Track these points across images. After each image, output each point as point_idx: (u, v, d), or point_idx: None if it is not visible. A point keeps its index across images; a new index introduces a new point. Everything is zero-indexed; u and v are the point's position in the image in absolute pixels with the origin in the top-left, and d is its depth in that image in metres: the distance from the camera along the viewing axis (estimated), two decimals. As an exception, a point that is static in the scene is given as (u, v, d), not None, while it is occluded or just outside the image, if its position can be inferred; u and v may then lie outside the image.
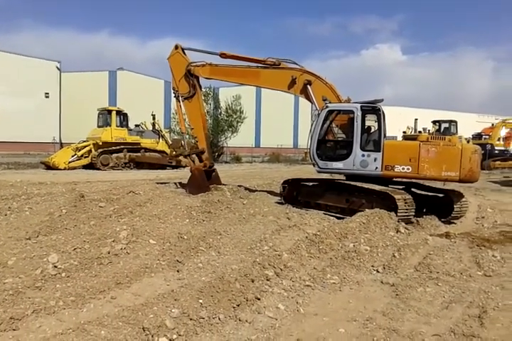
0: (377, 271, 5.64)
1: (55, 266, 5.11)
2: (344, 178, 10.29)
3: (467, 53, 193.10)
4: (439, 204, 9.68)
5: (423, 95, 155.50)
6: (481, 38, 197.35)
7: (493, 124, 35.12)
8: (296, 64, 10.68)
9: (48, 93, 39.61)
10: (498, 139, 32.51)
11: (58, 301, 4.23)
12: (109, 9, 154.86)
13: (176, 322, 3.76)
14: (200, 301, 4.17)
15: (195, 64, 11.54)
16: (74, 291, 4.52)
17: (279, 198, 11.11)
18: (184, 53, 11.78)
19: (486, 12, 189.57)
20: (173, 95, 12.18)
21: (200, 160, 11.95)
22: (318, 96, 10.14)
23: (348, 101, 10.04)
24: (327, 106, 9.82)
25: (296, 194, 10.80)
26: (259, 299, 4.45)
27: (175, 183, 12.74)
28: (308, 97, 10.33)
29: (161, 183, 12.78)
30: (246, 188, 12.07)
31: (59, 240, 6.22)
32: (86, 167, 22.57)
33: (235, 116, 32.76)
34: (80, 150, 22.80)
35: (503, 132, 33.40)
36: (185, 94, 11.71)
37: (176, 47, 11.77)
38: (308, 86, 10.22)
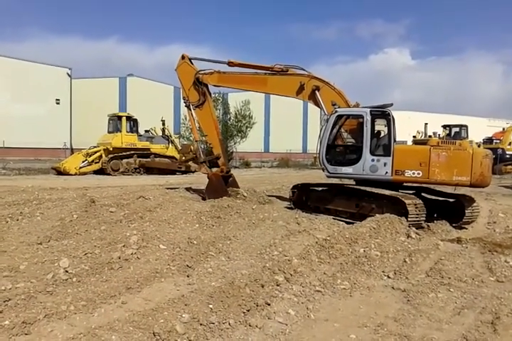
0: (388, 277, 5.59)
1: (66, 271, 5.15)
2: (354, 183, 10.25)
3: (475, 57, 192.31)
4: (450, 209, 9.59)
5: (432, 99, 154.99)
6: (490, 41, 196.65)
7: (503, 128, 34.79)
8: (304, 70, 10.69)
9: (58, 99, 40.04)
10: (509, 143, 32.17)
11: (69, 306, 4.25)
12: (116, 16, 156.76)
13: (186, 327, 3.76)
14: (210, 306, 4.17)
15: (203, 72, 11.61)
16: (85, 296, 4.54)
17: (289, 203, 11.10)
18: (191, 63, 11.86)
19: (494, 15, 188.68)
20: (184, 104, 12.24)
21: (215, 166, 12.01)
22: (326, 101, 10.13)
23: (357, 106, 10.02)
24: (336, 111, 9.82)
25: (306, 199, 10.79)
26: (269, 304, 4.43)
27: (186, 189, 12.78)
28: (316, 103, 10.32)
29: (171, 188, 12.83)
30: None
31: (70, 245, 6.28)
32: (96, 172, 22.75)
33: (244, 122, 32.87)
34: (90, 156, 23.00)
35: (515, 137, 33.09)
36: (195, 102, 11.76)
37: (183, 57, 11.85)
38: (317, 91, 10.21)
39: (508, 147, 31.88)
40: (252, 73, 11.23)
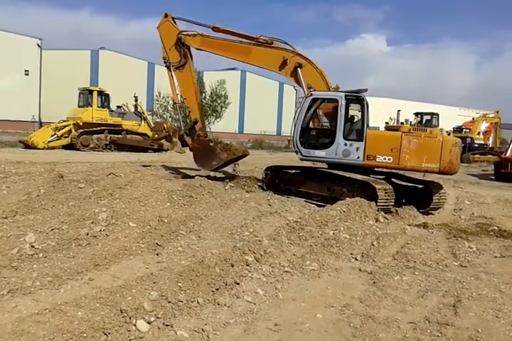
0: (356, 259, 5.70)
1: (32, 246, 5.02)
2: (326, 167, 10.33)
3: (450, 46, 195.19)
4: (418, 195, 9.81)
5: (406, 86, 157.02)
6: (465, 31, 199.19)
7: (473, 118, 35.68)
8: (288, 44, 10.43)
9: (27, 70, 38.60)
10: (478, 133, 33.08)
11: (35, 281, 4.16)
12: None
13: (154, 304, 3.74)
14: (179, 284, 4.15)
15: (186, 33, 11.18)
16: (51, 272, 4.45)
17: (261, 184, 11.12)
18: (174, 22, 11.43)
19: (471, 6, 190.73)
20: (164, 64, 11.81)
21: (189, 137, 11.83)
22: (307, 79, 9.98)
23: (337, 88, 9.97)
24: (311, 94, 9.78)
25: (278, 181, 10.81)
26: (238, 284, 4.46)
27: (158, 167, 12.60)
28: (298, 81, 10.15)
29: (144, 166, 12.65)
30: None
31: (37, 220, 6.13)
32: (66, 147, 22.15)
33: (219, 101, 32.52)
34: (59, 130, 22.34)
35: (483, 126, 34.00)
36: (176, 63, 11.37)
37: (166, 15, 11.38)
38: (299, 69, 10.02)
39: (477, 136, 32.77)
40: (236, 41, 10.85)
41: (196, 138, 11.53)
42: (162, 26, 11.57)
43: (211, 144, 11.45)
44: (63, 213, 6.55)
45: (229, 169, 12.29)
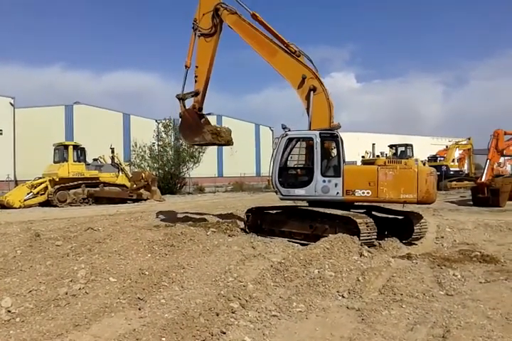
0: (343, 297, 5.63)
1: (9, 311, 4.85)
2: (307, 204, 10.36)
3: (417, 79, 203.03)
4: (399, 226, 9.87)
5: (378, 120, 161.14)
6: (430, 64, 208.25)
7: (447, 146, 36.57)
8: (313, 64, 10.32)
9: (1, 130, 38.39)
10: (453, 160, 33.85)
11: (11, 349, 3.98)
12: (59, 43, 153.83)
13: (137, 363, 3.60)
14: (163, 339, 4.03)
15: (225, 6, 10.94)
16: (29, 337, 4.28)
17: (244, 227, 11.04)
18: None
19: (434, 39, 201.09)
20: (191, 26, 11.39)
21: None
22: (315, 108, 9.88)
23: (338, 126, 9.85)
24: (286, 134, 9.97)
25: (260, 222, 10.77)
26: (224, 333, 4.33)
27: (137, 217, 12.44)
28: (308, 106, 9.97)
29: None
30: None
31: (13, 283, 5.94)
32: (42, 204, 21.74)
33: (196, 147, 32.73)
34: (35, 188, 22.00)
35: (457, 153, 34.87)
36: (204, 30, 11.13)
37: None
38: (312, 93, 9.89)
39: (452, 164, 33.51)
40: (267, 37, 10.52)
41: (189, 109, 11.24)
42: None
43: (202, 120, 11.19)
44: (41, 273, 6.37)
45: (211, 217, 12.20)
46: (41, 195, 21.94)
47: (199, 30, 11.20)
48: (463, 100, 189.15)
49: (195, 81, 11.36)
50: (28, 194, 21.59)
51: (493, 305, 5.11)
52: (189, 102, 11.33)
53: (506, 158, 36.24)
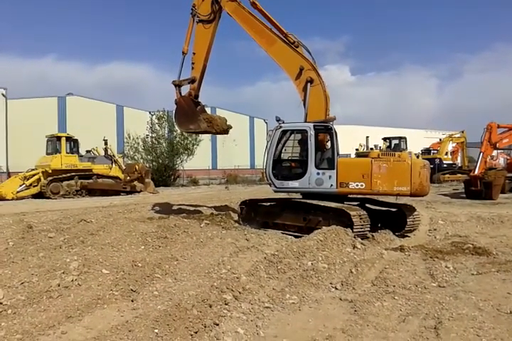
0: (336, 288, 5.65)
1: (1, 303, 4.82)
2: (301, 197, 10.37)
3: (411, 72, 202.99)
4: (392, 218, 9.91)
5: (373, 113, 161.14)
6: (424, 57, 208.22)
7: (440, 139, 36.61)
8: (311, 55, 10.15)
9: (-7, 121, 38.08)
10: (446, 153, 33.93)
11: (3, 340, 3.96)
12: (53, 33, 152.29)
13: (130, 354, 3.59)
14: (156, 331, 4.02)
15: None
16: (21, 328, 4.25)
17: (238, 219, 11.03)
18: None
19: (429, 32, 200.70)
20: (190, 11, 11.16)
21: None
22: (312, 100, 9.81)
23: (333, 119, 9.86)
24: (280, 127, 9.94)
25: (254, 214, 10.77)
26: (217, 324, 4.33)
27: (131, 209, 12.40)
28: (304, 98, 9.89)
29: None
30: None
31: (5, 275, 5.90)
32: (35, 196, 21.64)
33: (190, 139, 32.63)
34: (28, 179, 21.87)
35: (450, 146, 34.97)
36: (202, 16, 10.95)
37: None
38: (309, 84, 9.82)
39: (445, 157, 33.59)
40: (266, 25, 10.38)
41: (185, 96, 11.11)
42: None
43: (198, 108, 11.10)
44: (33, 265, 6.33)
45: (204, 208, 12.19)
46: (34, 186, 21.82)
47: (198, 17, 11.01)
48: (456, 93, 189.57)
49: (192, 68, 11.18)
50: (20, 186, 21.48)
51: (485, 296, 5.15)
52: (185, 89, 11.18)
53: (499, 151, 36.42)
